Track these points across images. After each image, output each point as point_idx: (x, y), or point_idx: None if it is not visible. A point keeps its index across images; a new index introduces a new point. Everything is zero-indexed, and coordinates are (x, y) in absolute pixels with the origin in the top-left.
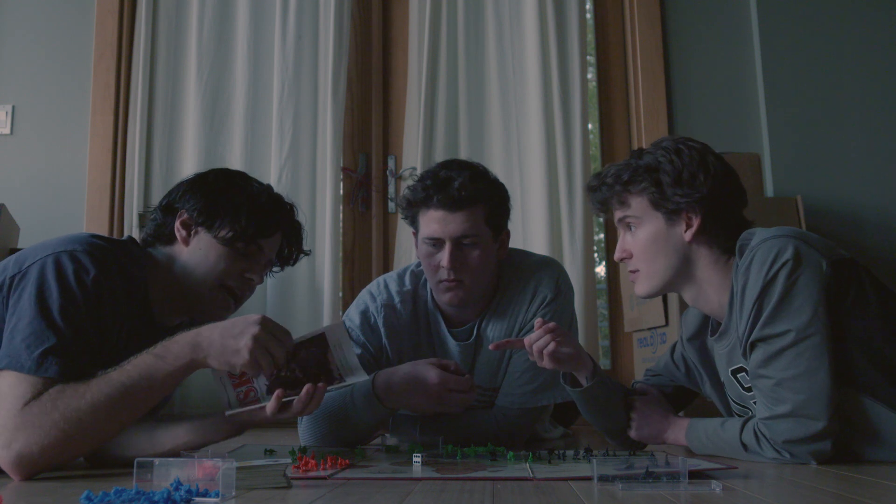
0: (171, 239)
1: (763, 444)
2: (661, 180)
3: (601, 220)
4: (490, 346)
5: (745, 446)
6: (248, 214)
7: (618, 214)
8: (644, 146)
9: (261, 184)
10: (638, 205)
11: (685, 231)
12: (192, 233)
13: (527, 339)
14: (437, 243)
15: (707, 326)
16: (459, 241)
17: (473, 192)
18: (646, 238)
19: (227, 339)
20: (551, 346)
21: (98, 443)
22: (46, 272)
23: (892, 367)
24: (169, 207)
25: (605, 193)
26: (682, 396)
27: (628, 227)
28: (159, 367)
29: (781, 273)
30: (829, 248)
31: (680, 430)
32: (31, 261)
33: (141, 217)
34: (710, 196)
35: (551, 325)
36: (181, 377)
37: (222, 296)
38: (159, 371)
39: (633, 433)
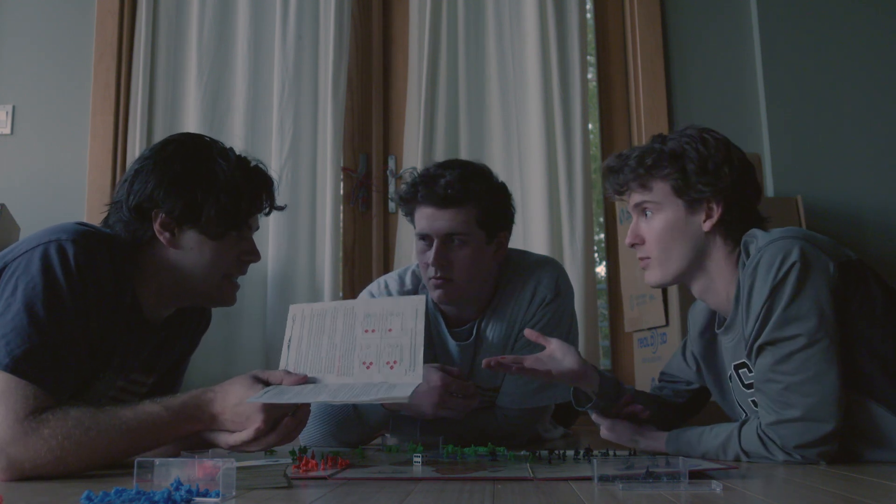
0: (150, 241)
1: (772, 449)
2: (686, 167)
3: (601, 219)
4: (483, 364)
5: (746, 453)
6: (230, 199)
7: (635, 199)
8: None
9: (225, 152)
10: (659, 190)
11: (704, 221)
12: (176, 232)
13: (528, 362)
14: (427, 240)
15: (714, 320)
16: (447, 238)
17: (461, 191)
18: (663, 225)
19: (238, 414)
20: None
21: (89, 471)
22: (32, 265)
23: None
24: (141, 209)
25: (626, 176)
26: (697, 402)
27: (644, 212)
28: (172, 424)
29: (790, 276)
30: (836, 249)
31: (655, 439)
32: (19, 252)
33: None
34: (733, 188)
35: (546, 339)
36: (186, 437)
37: (229, 284)
38: (171, 429)
39: (603, 432)
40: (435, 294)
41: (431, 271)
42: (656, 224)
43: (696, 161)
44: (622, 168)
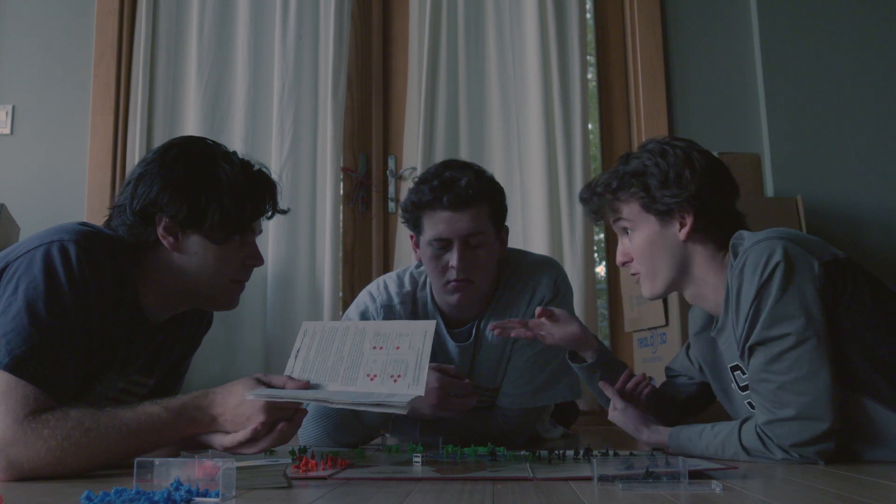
0: (153, 245)
1: (770, 447)
2: (649, 184)
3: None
4: (489, 327)
5: (746, 450)
6: (234, 203)
7: (612, 220)
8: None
9: (229, 156)
10: (630, 210)
11: (679, 230)
12: (180, 237)
13: (531, 323)
14: (444, 244)
15: (711, 322)
16: (467, 239)
17: (479, 190)
18: (642, 241)
19: (239, 415)
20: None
21: (89, 471)
22: (34, 265)
23: (890, 366)
24: (144, 213)
25: (596, 203)
26: (701, 399)
27: (625, 231)
28: (172, 425)
29: (775, 275)
30: (822, 248)
31: (659, 434)
32: (21, 252)
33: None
34: (699, 193)
35: (549, 310)
36: (187, 438)
37: (233, 289)
38: (171, 430)
39: (611, 413)
40: (453, 297)
41: (452, 274)
42: (636, 241)
43: (657, 175)
44: (591, 197)
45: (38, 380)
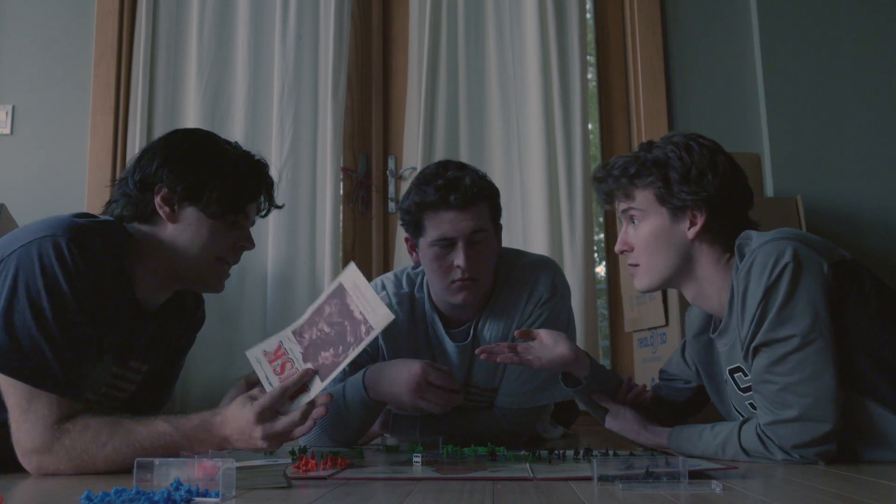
0: (150, 216)
1: (771, 448)
2: (669, 176)
3: (601, 219)
4: (477, 352)
5: (746, 452)
6: (233, 183)
7: (622, 206)
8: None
9: (230, 143)
10: (643, 198)
11: (689, 229)
12: (177, 208)
13: (519, 347)
14: (449, 244)
15: (710, 324)
16: (471, 238)
17: (481, 188)
18: (649, 232)
19: (244, 440)
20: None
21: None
22: (33, 265)
23: (893, 368)
24: (145, 183)
25: (610, 185)
26: (696, 402)
27: (631, 219)
28: (183, 446)
29: (784, 276)
30: (830, 249)
31: (657, 434)
32: (10, 250)
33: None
34: (717, 195)
35: (532, 331)
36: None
37: (220, 268)
38: (182, 449)
39: (607, 422)
40: (459, 297)
41: (457, 273)
42: (643, 231)
43: (679, 169)
44: (606, 178)
45: (57, 388)
